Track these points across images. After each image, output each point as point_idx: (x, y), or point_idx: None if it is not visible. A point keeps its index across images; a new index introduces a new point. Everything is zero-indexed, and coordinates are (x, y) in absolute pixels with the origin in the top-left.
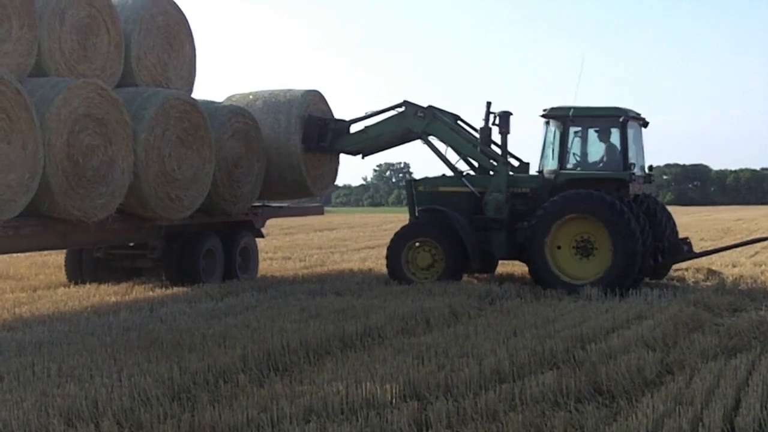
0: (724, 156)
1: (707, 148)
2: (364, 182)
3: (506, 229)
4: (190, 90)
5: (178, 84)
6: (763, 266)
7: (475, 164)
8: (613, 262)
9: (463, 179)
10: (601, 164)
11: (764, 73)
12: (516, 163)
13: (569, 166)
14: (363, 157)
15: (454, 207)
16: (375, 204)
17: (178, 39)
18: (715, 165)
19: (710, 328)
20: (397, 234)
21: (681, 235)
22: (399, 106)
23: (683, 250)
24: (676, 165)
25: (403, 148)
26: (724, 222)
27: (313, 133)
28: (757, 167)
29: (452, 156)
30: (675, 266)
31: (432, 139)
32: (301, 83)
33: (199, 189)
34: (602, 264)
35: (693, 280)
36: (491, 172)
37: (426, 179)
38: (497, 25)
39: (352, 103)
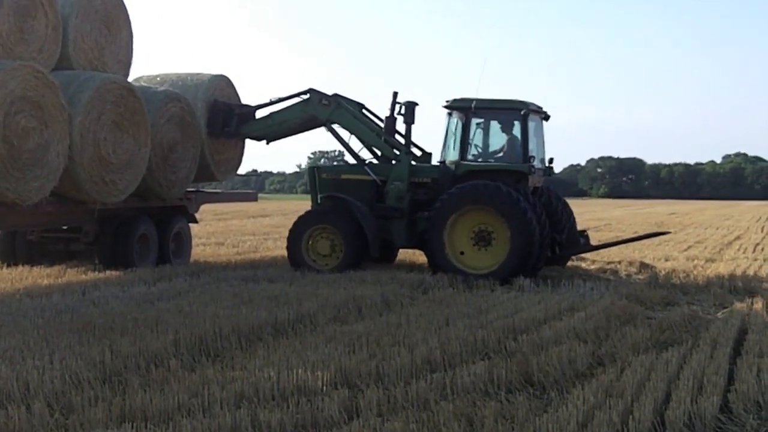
0: (658, 150)
1: (642, 141)
2: (298, 169)
3: (407, 218)
4: (127, 74)
5: (115, 68)
6: (696, 260)
7: (379, 153)
8: (510, 252)
9: (365, 168)
10: (501, 156)
11: (699, 69)
12: (419, 153)
13: (470, 157)
14: (267, 143)
15: (356, 195)
16: (309, 191)
17: (115, 23)
18: (650, 159)
19: (642, 322)
20: (297, 220)
21: (604, 229)
22: (304, 93)
23: (580, 242)
24: (611, 158)
25: None
26: (657, 216)
27: (218, 118)
28: (691, 162)
29: (356, 144)
30: (582, 256)
31: (336, 127)
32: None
33: (134, 173)
34: (500, 254)
35: (626, 273)
36: (393, 162)
37: (329, 167)
38: (406, 16)
39: (263, 86)
